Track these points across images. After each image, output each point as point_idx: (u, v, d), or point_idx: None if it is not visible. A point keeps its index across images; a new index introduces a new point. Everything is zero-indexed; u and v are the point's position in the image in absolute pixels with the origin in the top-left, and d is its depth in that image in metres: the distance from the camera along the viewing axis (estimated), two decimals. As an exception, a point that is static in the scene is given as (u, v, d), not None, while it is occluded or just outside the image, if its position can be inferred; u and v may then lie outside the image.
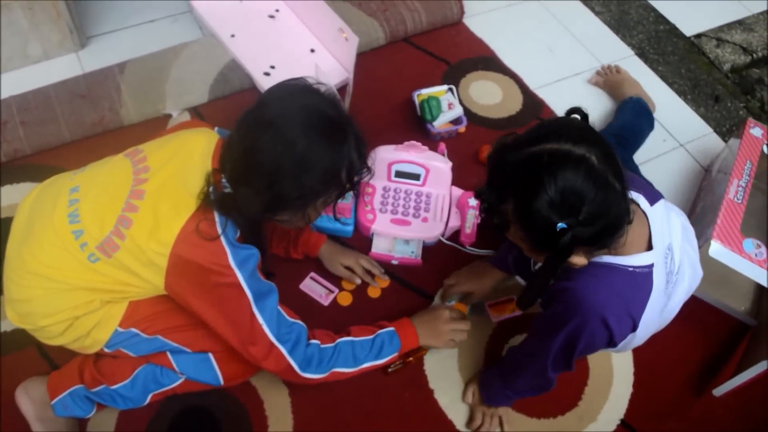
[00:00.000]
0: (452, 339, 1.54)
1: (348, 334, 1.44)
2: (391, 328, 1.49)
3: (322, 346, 1.37)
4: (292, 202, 1.22)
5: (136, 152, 1.32)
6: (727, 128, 2.29)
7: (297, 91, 1.22)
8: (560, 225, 1.03)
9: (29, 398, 1.39)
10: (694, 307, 1.36)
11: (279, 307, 1.30)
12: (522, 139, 1.09)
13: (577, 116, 1.15)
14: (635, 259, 1.17)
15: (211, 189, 1.20)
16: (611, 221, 1.07)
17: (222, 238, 1.19)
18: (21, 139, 1.82)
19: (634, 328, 1.19)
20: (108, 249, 1.22)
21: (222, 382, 1.42)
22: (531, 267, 1.64)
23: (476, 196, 1.20)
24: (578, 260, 1.11)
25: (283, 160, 1.15)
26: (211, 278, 1.21)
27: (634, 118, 2.12)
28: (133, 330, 1.34)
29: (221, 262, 1.19)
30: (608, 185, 1.04)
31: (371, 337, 1.45)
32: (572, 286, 1.17)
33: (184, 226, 1.18)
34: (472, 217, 1.78)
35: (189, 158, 1.26)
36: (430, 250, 1.79)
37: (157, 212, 1.20)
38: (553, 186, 1.01)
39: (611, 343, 1.20)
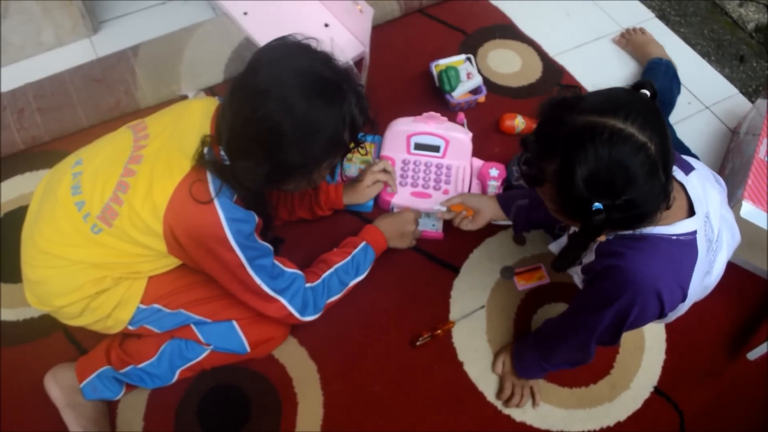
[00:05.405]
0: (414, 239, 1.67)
1: (326, 263, 1.47)
2: (363, 243, 1.53)
3: (313, 285, 1.40)
4: (296, 171, 1.19)
5: (139, 123, 1.32)
6: (754, 88, 2.23)
7: (288, 52, 1.15)
8: (596, 205, 1.00)
9: (58, 385, 1.40)
10: (725, 270, 1.32)
11: (275, 261, 1.31)
12: (587, 105, 1.04)
13: (647, 92, 1.08)
14: (677, 227, 1.14)
15: (206, 150, 1.16)
16: (645, 211, 1.04)
17: (216, 202, 1.16)
18: (38, 126, 1.81)
19: (683, 298, 1.17)
20: (108, 217, 1.20)
21: (248, 348, 1.42)
22: (554, 230, 1.66)
23: (521, 144, 1.14)
24: (599, 237, 1.09)
25: (284, 129, 1.10)
26: (205, 240, 1.19)
27: (668, 83, 2.06)
28: (156, 306, 1.35)
29: (214, 226, 1.17)
30: (656, 176, 1.00)
31: (349, 259, 1.49)
32: (621, 264, 1.13)
33: (177, 188, 1.15)
34: (494, 189, 1.75)
35: (188, 122, 1.23)
36: (451, 222, 1.75)
37: (152, 175, 1.18)
38: (605, 163, 0.98)
39: (661, 315, 1.17)
